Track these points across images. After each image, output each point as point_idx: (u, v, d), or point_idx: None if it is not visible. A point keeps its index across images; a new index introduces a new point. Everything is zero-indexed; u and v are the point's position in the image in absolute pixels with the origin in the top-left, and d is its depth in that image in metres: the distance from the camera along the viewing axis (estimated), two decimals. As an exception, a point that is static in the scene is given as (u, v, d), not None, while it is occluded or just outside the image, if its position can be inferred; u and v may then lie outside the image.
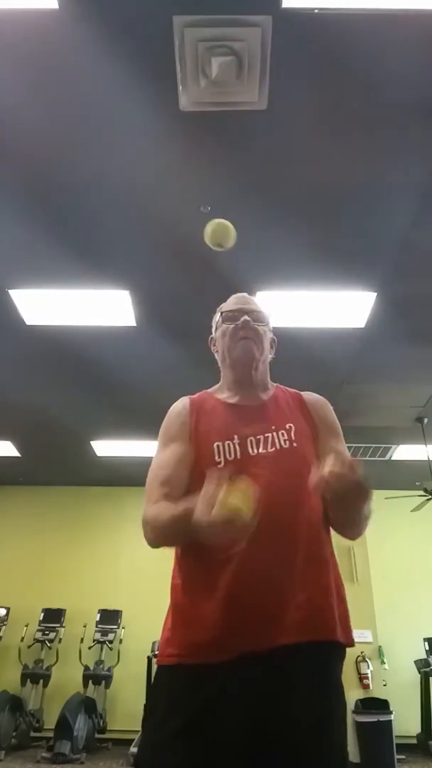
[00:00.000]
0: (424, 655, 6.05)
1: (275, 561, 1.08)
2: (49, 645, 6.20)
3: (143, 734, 1.13)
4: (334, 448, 1.30)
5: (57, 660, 6.12)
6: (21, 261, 3.41)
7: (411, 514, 6.00)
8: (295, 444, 1.23)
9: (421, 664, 6.01)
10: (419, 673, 6.00)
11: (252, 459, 1.19)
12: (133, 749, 4.87)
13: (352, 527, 1.20)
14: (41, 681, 5.96)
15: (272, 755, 0.99)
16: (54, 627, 6.23)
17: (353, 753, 4.50)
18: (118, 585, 6.64)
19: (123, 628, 6.26)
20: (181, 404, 1.35)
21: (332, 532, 1.23)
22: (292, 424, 1.27)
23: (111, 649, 6.18)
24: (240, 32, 2.19)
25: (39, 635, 6.20)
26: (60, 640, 6.20)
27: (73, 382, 4.80)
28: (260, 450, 1.21)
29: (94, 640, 6.16)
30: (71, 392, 4.99)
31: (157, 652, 5.65)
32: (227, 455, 1.20)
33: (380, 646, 5.65)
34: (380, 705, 5.03)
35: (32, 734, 5.54)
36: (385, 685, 5.44)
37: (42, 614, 6.34)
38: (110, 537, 7.02)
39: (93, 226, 3.16)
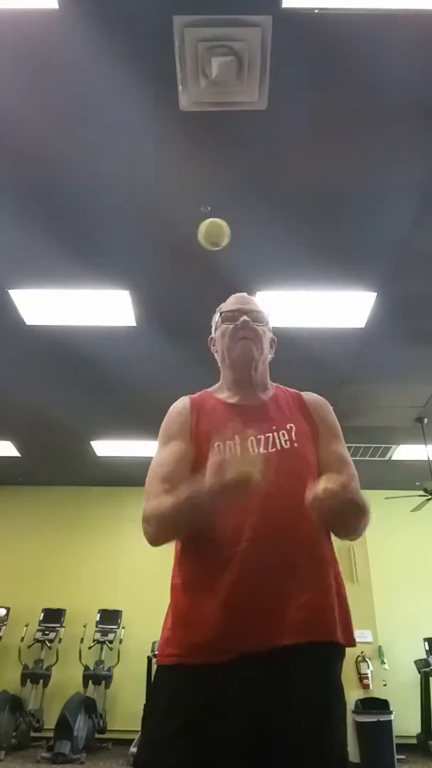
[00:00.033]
0: (424, 655, 6.05)
1: (276, 561, 1.08)
2: (49, 645, 6.20)
3: (143, 734, 1.13)
4: (335, 451, 1.30)
5: (57, 660, 6.12)
6: (21, 261, 3.41)
7: (411, 514, 6.00)
8: (295, 444, 1.23)
9: (421, 664, 6.01)
10: (419, 673, 6.00)
11: None
12: (133, 749, 4.87)
13: (350, 535, 1.20)
14: (41, 681, 5.96)
15: (272, 755, 0.99)
16: (54, 627, 6.23)
17: (353, 753, 4.50)
18: (118, 585, 6.64)
19: (123, 628, 6.26)
20: (182, 403, 1.35)
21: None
22: (292, 425, 1.27)
23: (111, 649, 6.18)
24: (240, 32, 2.19)
25: (39, 635, 6.20)
26: (60, 640, 6.20)
27: (73, 382, 4.80)
28: (261, 450, 1.21)
29: (94, 640, 6.16)
30: (71, 392, 4.99)
31: (157, 652, 5.67)
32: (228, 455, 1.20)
33: (380, 646, 5.64)
34: (380, 705, 5.03)
35: (32, 734, 5.54)
36: (385, 685, 5.44)
37: (42, 614, 6.34)
38: (110, 537, 7.02)
39: (93, 226, 3.16)
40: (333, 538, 1.22)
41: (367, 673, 5.27)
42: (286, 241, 3.23)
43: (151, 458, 1.29)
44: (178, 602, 1.15)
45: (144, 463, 1.29)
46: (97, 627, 6.25)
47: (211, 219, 1.40)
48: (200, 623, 1.07)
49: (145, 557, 6.44)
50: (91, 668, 5.93)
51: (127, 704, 5.96)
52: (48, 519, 7.15)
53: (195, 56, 2.27)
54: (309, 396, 1.39)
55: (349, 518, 1.03)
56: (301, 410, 1.34)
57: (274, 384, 1.43)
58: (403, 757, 5.19)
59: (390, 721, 4.87)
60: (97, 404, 5.24)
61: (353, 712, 4.93)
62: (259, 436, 1.23)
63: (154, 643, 5.46)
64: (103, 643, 6.16)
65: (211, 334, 1.48)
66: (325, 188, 2.89)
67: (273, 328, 1.47)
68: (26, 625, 6.25)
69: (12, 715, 5.29)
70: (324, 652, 1.08)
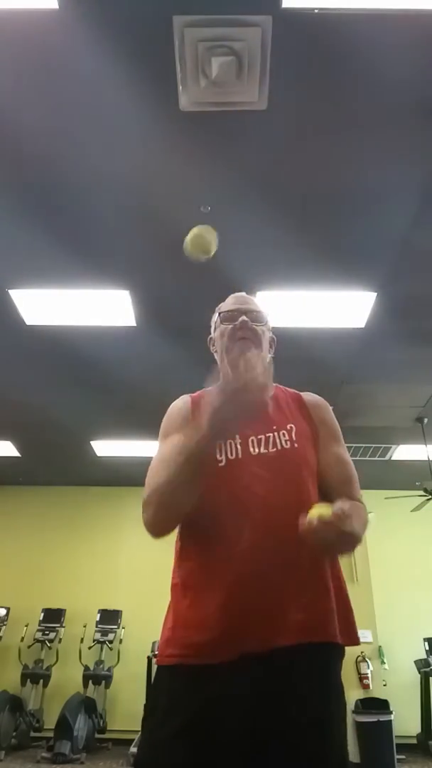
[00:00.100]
0: (424, 655, 6.05)
1: (276, 561, 1.08)
2: (49, 645, 6.20)
3: (143, 734, 1.13)
4: (335, 452, 1.30)
5: (57, 660, 6.12)
6: (21, 261, 3.41)
7: (411, 514, 6.00)
8: (296, 444, 1.23)
9: (421, 664, 6.01)
10: (419, 673, 6.00)
11: (253, 459, 1.19)
12: (133, 749, 4.87)
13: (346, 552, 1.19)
14: (41, 681, 5.96)
15: (272, 755, 0.98)
16: (54, 627, 6.23)
17: (353, 753, 4.50)
18: (117, 585, 6.65)
19: (123, 628, 6.27)
20: (182, 401, 1.35)
21: None
22: (292, 425, 1.27)
23: (111, 649, 6.18)
24: (240, 32, 2.19)
25: (39, 635, 6.20)
26: (60, 640, 6.21)
27: (72, 382, 4.80)
28: (261, 450, 1.21)
29: (94, 640, 6.16)
30: (71, 392, 4.99)
31: (157, 652, 5.68)
32: (229, 454, 1.20)
33: (380, 646, 5.65)
34: (380, 705, 5.03)
35: (32, 734, 5.54)
36: (385, 685, 5.44)
37: (42, 614, 6.34)
38: (110, 537, 7.02)
39: (93, 226, 3.16)
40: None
41: (367, 673, 5.27)
42: (286, 241, 3.23)
43: (151, 458, 1.29)
44: (178, 602, 1.15)
45: (144, 463, 1.29)
46: (97, 627, 6.25)
47: (193, 233, 1.34)
48: (200, 623, 1.07)
49: (145, 557, 6.44)
50: (91, 668, 5.93)
51: (127, 704, 5.96)
52: (48, 519, 7.15)
53: (195, 56, 2.27)
54: (309, 396, 1.39)
55: (342, 548, 1.01)
56: (301, 411, 1.34)
57: (274, 384, 1.43)
58: (403, 757, 5.19)
59: (390, 721, 4.87)
60: (97, 404, 5.25)
61: (353, 712, 4.93)
62: (259, 436, 1.23)
63: (154, 643, 5.46)
64: (103, 643, 6.17)
65: (210, 334, 1.47)
66: (325, 188, 2.89)
67: (273, 328, 1.47)
68: (26, 625, 6.25)
69: (12, 715, 5.30)
70: (324, 653, 1.08)
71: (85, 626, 6.21)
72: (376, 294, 3.63)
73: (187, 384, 1.57)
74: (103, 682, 5.94)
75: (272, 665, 1.02)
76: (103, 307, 3.80)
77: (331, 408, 1.39)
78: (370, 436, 5.75)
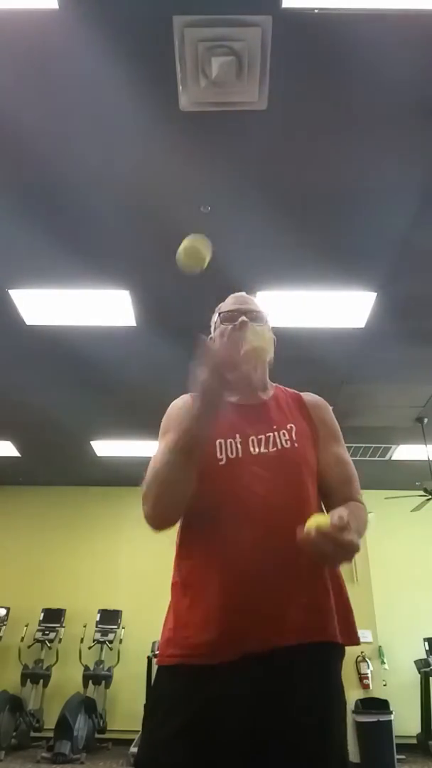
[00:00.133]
0: (424, 655, 6.05)
1: (276, 561, 1.08)
2: (49, 645, 6.20)
3: (143, 734, 1.13)
4: (335, 453, 1.30)
5: (57, 660, 6.12)
6: (21, 261, 3.41)
7: (411, 514, 6.00)
8: (296, 444, 1.23)
9: (421, 664, 6.02)
10: (419, 673, 6.00)
11: (253, 458, 1.19)
12: (133, 749, 4.87)
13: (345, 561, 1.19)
14: (41, 681, 5.96)
15: (272, 756, 0.99)
16: (54, 627, 6.24)
17: (353, 753, 4.50)
18: (117, 585, 6.65)
19: (123, 628, 6.27)
20: (182, 400, 1.35)
21: None
22: (293, 425, 1.27)
23: (111, 649, 6.18)
24: (240, 32, 2.19)
25: (39, 635, 6.20)
26: (60, 640, 6.21)
27: (72, 382, 4.80)
28: (262, 449, 1.21)
29: (94, 640, 6.16)
30: (71, 392, 4.99)
31: (157, 652, 5.65)
32: (229, 453, 1.20)
33: (380, 646, 5.65)
34: (380, 705, 5.03)
35: (32, 734, 5.55)
36: (385, 685, 5.45)
37: (42, 614, 6.34)
38: (110, 537, 7.03)
39: (93, 226, 3.16)
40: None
41: (367, 673, 5.28)
42: (286, 241, 3.23)
43: (151, 458, 1.29)
44: (178, 602, 1.15)
45: (144, 463, 1.29)
46: (97, 627, 6.26)
47: (185, 244, 1.23)
48: (201, 623, 1.07)
49: (145, 557, 6.45)
50: (91, 668, 5.93)
51: (127, 704, 5.96)
52: (48, 519, 7.15)
53: (195, 56, 2.27)
54: (309, 397, 1.39)
55: (341, 558, 1.00)
56: (301, 411, 1.34)
57: (274, 384, 1.43)
58: (403, 757, 5.20)
59: (390, 721, 4.88)
60: (97, 404, 5.25)
61: (353, 712, 4.94)
62: (260, 436, 1.23)
63: (154, 643, 5.46)
64: (103, 643, 6.17)
65: (210, 333, 1.47)
66: (325, 188, 2.90)
67: (273, 328, 1.47)
68: (26, 625, 6.25)
69: (12, 715, 5.30)
70: (324, 653, 1.08)
71: (85, 626, 6.21)
72: (376, 294, 3.63)
73: (186, 384, 1.57)
74: (103, 682, 5.94)
75: (272, 665, 1.02)
76: (103, 307, 3.80)
77: (331, 408, 1.39)
78: (370, 436, 5.75)
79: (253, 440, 1.22)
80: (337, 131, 2.60)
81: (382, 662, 5.70)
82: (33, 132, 2.62)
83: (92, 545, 7.04)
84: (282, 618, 1.06)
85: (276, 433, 1.24)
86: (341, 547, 0.93)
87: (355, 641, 1.13)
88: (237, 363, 1.02)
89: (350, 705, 4.94)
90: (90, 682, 5.87)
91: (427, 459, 5.69)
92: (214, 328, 1.44)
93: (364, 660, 5.32)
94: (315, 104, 2.48)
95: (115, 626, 6.25)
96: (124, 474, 6.50)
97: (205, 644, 1.05)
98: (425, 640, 6.11)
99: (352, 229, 3.15)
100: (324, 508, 1.24)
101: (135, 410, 5.09)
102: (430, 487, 5.69)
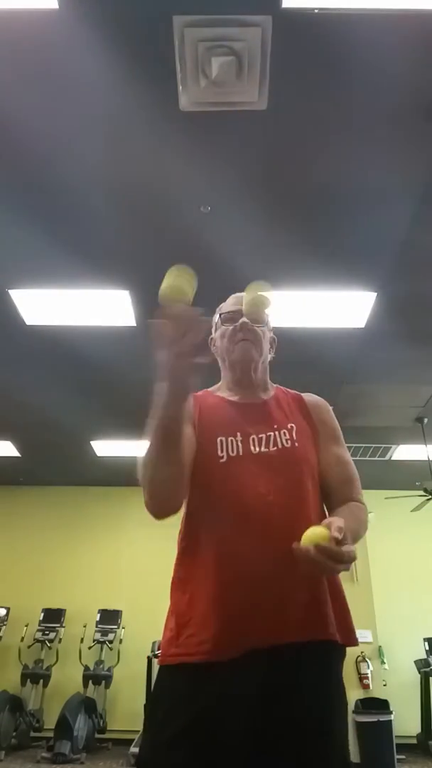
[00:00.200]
0: (424, 655, 6.05)
1: (275, 559, 1.08)
2: (49, 645, 6.20)
3: (145, 734, 1.13)
4: (335, 453, 1.30)
5: (57, 660, 6.12)
6: (21, 261, 3.41)
7: (411, 514, 6.01)
8: (296, 444, 1.23)
9: (421, 664, 6.02)
10: (419, 673, 6.00)
11: (254, 457, 1.19)
12: (134, 749, 4.87)
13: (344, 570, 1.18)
14: (41, 681, 5.96)
15: (274, 756, 0.99)
16: (54, 627, 6.23)
17: (353, 753, 4.49)
18: (118, 585, 6.65)
19: (123, 628, 6.26)
20: None
21: None
22: (293, 424, 1.27)
23: (111, 649, 6.18)
24: (240, 32, 2.19)
25: (39, 635, 6.20)
26: (60, 640, 6.21)
27: (72, 381, 4.80)
28: (262, 448, 1.21)
29: (94, 640, 6.16)
30: (71, 392, 4.99)
31: (157, 652, 5.65)
32: (230, 451, 1.20)
33: (380, 646, 5.65)
34: (380, 705, 5.03)
35: (32, 734, 5.54)
36: (385, 685, 5.45)
37: (42, 614, 6.34)
38: (110, 537, 7.03)
39: (93, 226, 3.16)
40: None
41: (367, 673, 5.28)
42: (286, 241, 3.23)
43: None
44: (178, 599, 1.15)
45: (144, 463, 1.29)
46: (97, 627, 6.25)
47: (168, 282, 1.12)
48: (201, 621, 1.07)
49: (145, 557, 6.45)
50: (91, 668, 5.93)
51: (127, 704, 5.97)
52: (48, 519, 7.15)
53: (195, 56, 2.27)
54: (309, 397, 1.39)
55: (337, 571, 0.99)
56: (301, 411, 1.34)
57: (275, 385, 1.43)
58: (403, 757, 5.20)
59: (390, 721, 4.88)
60: (97, 404, 5.25)
61: (353, 712, 4.94)
62: (260, 435, 1.23)
63: (154, 643, 5.46)
64: (103, 643, 6.17)
65: (211, 334, 1.48)
66: (325, 188, 2.90)
67: (273, 328, 1.47)
68: (26, 625, 6.25)
69: (12, 715, 5.30)
70: (325, 652, 1.08)
71: (85, 626, 6.20)
72: (376, 294, 3.63)
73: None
74: (103, 682, 5.94)
75: (273, 664, 1.02)
76: (103, 307, 3.80)
77: (331, 408, 1.39)
78: (370, 436, 5.75)
79: (253, 439, 1.22)
80: (337, 131, 2.60)
81: (382, 662, 5.70)
82: (33, 132, 2.61)
83: (92, 545, 7.04)
84: (282, 615, 1.06)
85: (277, 433, 1.24)
86: (340, 561, 0.93)
87: (353, 642, 1.13)
88: (188, 335, 0.94)
89: (350, 705, 4.93)
90: (90, 682, 5.87)
91: (427, 459, 5.69)
92: (215, 329, 1.44)
93: (364, 660, 5.32)
94: (315, 104, 2.48)
95: (115, 626, 6.25)
96: (124, 474, 6.50)
97: (205, 641, 1.05)
98: (425, 640, 6.11)
99: (352, 229, 3.15)
100: (325, 508, 1.24)
101: (135, 410, 5.06)
102: (430, 487, 5.69)
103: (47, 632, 6.20)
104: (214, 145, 2.68)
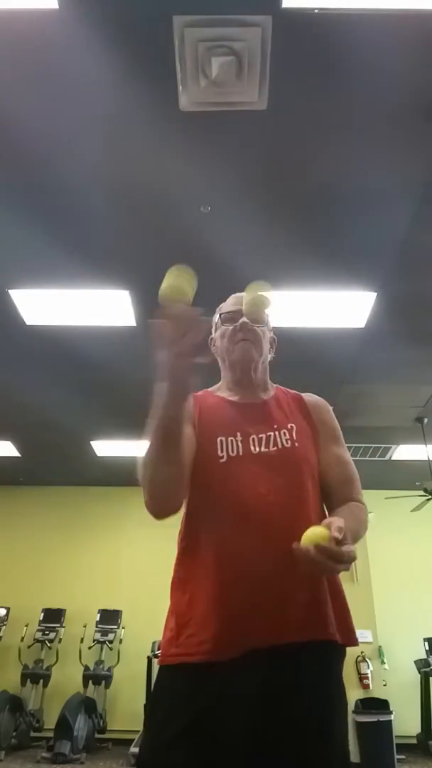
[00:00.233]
0: (424, 655, 6.05)
1: (276, 559, 1.08)
2: (49, 645, 6.20)
3: (146, 735, 1.13)
4: (335, 453, 1.30)
5: (57, 660, 6.12)
6: (21, 261, 3.41)
7: (411, 514, 6.01)
8: (296, 444, 1.23)
9: (421, 664, 6.02)
10: (419, 673, 6.01)
11: (254, 457, 1.20)
12: (134, 749, 4.87)
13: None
14: (41, 681, 5.96)
15: (274, 756, 0.99)
16: (54, 627, 6.23)
17: (353, 753, 4.50)
18: (118, 585, 6.65)
19: (123, 628, 6.26)
20: None
21: None
22: (293, 424, 1.27)
23: (111, 649, 6.18)
24: (240, 32, 2.19)
25: (39, 635, 6.20)
26: (60, 640, 6.21)
27: (72, 381, 4.80)
28: (262, 448, 1.21)
29: (94, 640, 6.16)
30: (71, 392, 4.99)
31: (157, 652, 5.64)
32: (230, 451, 1.20)
33: (380, 646, 5.65)
34: (380, 705, 5.03)
35: (32, 734, 5.54)
36: (385, 685, 5.45)
37: (42, 614, 6.34)
38: (110, 537, 7.03)
39: (93, 226, 3.16)
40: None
41: (367, 673, 5.27)
42: (286, 241, 3.23)
43: None
44: (178, 600, 1.15)
45: (144, 464, 1.29)
46: (97, 627, 6.25)
47: (168, 282, 1.13)
48: (201, 620, 1.07)
49: (145, 557, 6.45)
50: (91, 668, 5.93)
51: (127, 704, 5.97)
52: (48, 519, 7.15)
53: (195, 56, 2.27)
54: (309, 397, 1.39)
55: (337, 571, 0.99)
56: (301, 411, 1.34)
57: (275, 385, 1.43)
58: (403, 757, 5.20)
59: (390, 721, 4.87)
60: (97, 404, 5.25)
61: (353, 712, 4.93)
62: (260, 435, 1.23)
63: (154, 643, 5.46)
64: (103, 643, 6.17)
65: (211, 334, 1.48)
66: (325, 188, 2.90)
67: (273, 328, 1.47)
68: (26, 625, 6.25)
69: (12, 715, 5.30)
70: (325, 652, 1.08)
71: (85, 626, 6.20)
72: (376, 294, 3.63)
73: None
74: (103, 682, 5.94)
75: (273, 663, 1.02)
76: (103, 307, 3.80)
77: (331, 409, 1.39)
78: (370, 436, 5.75)
79: (254, 439, 1.22)
80: (337, 131, 2.60)
81: (382, 662, 5.70)
82: (33, 132, 2.61)
83: (92, 545, 7.04)
84: (282, 615, 1.06)
85: (277, 433, 1.24)
86: (340, 561, 0.94)
87: (353, 642, 1.13)
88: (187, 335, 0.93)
89: (350, 705, 4.93)
90: (90, 682, 5.87)
91: (427, 459, 5.69)
92: (215, 329, 1.44)
93: (364, 660, 5.32)
94: (315, 104, 2.48)
95: (115, 626, 6.25)
96: (124, 474, 6.50)
97: (205, 641, 1.05)
98: (425, 640, 6.11)
99: (352, 229, 3.15)
100: (325, 508, 1.24)
101: (135, 410, 5.06)
102: (430, 487, 5.69)
103: (47, 632, 6.20)
104: (214, 145, 2.68)
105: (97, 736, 5.53)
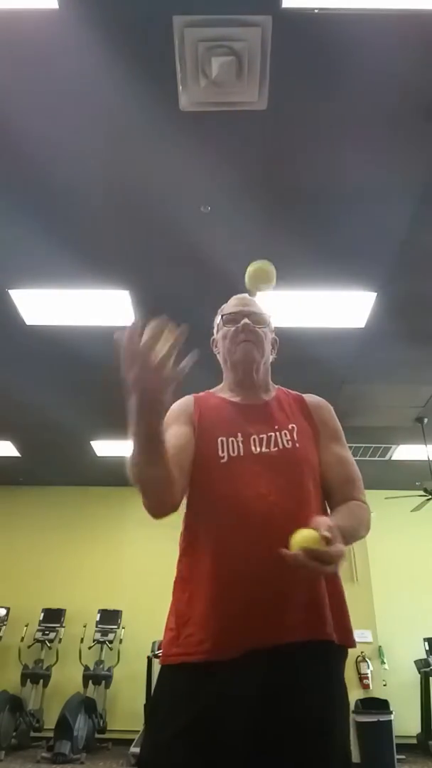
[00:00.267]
0: (424, 655, 6.05)
1: (275, 559, 1.08)
2: (49, 645, 6.20)
3: (146, 734, 1.13)
4: (336, 453, 1.30)
5: (57, 660, 6.12)
6: (21, 261, 3.41)
7: (411, 514, 6.01)
8: (297, 444, 1.23)
9: (421, 664, 6.01)
10: (419, 673, 6.00)
11: (255, 457, 1.20)
12: (134, 749, 4.87)
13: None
14: (41, 681, 5.96)
15: (275, 755, 0.99)
16: (54, 627, 6.23)
17: (353, 753, 4.50)
18: (118, 585, 6.64)
19: (123, 628, 6.26)
20: (184, 399, 1.35)
21: None
22: (294, 425, 1.27)
23: (111, 649, 6.18)
24: (240, 32, 2.19)
25: (39, 635, 6.20)
26: (60, 640, 6.20)
27: (73, 382, 4.80)
28: (263, 449, 1.21)
29: (94, 640, 6.16)
30: (71, 392, 4.99)
31: (157, 652, 5.63)
32: (231, 451, 1.20)
33: (380, 646, 5.65)
34: (380, 705, 5.03)
35: (32, 734, 5.54)
36: (385, 685, 5.45)
37: (42, 614, 6.34)
38: (110, 537, 7.03)
39: (93, 226, 3.16)
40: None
41: (367, 673, 5.27)
42: (286, 241, 3.23)
43: None
44: (179, 599, 1.15)
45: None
46: (97, 627, 6.25)
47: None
48: (201, 620, 1.08)
49: (145, 557, 6.45)
50: (91, 668, 5.93)
51: (127, 704, 5.96)
52: (48, 519, 7.15)
53: (195, 56, 2.27)
54: (310, 398, 1.39)
55: (328, 571, 0.98)
56: (303, 411, 1.34)
57: (276, 386, 1.43)
58: (403, 757, 5.19)
59: (390, 721, 4.87)
60: (97, 404, 5.24)
61: (353, 712, 4.93)
62: (261, 435, 1.23)
63: (154, 643, 5.46)
64: (103, 643, 6.16)
65: (212, 335, 1.48)
66: (325, 188, 2.90)
67: (273, 328, 1.47)
68: (26, 625, 6.25)
69: (12, 715, 5.29)
70: (324, 651, 1.08)
71: (85, 626, 6.20)
72: (376, 294, 3.63)
73: (186, 384, 1.58)
74: (103, 682, 5.94)
75: (273, 664, 1.02)
76: (103, 307, 3.80)
77: (332, 409, 1.39)
78: (370, 436, 5.75)
79: (254, 439, 1.22)
80: (337, 131, 2.60)
81: (382, 662, 5.70)
82: (33, 132, 2.61)
83: (92, 545, 7.04)
84: (282, 615, 1.06)
85: (278, 433, 1.24)
86: (329, 563, 0.93)
87: (351, 643, 1.13)
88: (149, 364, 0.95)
89: (350, 705, 4.93)
90: (90, 682, 5.87)
91: (427, 459, 5.69)
92: (217, 330, 1.45)
93: (364, 660, 5.31)
94: (315, 104, 2.48)
95: (115, 626, 6.24)
96: (123, 474, 6.43)
97: (205, 641, 1.05)
98: (425, 640, 6.11)
99: (352, 229, 3.15)
100: (327, 508, 1.24)
101: (135, 410, 5.08)
102: (430, 487, 5.69)
103: (47, 632, 6.20)
104: (214, 145, 2.68)
105: (97, 736, 5.52)
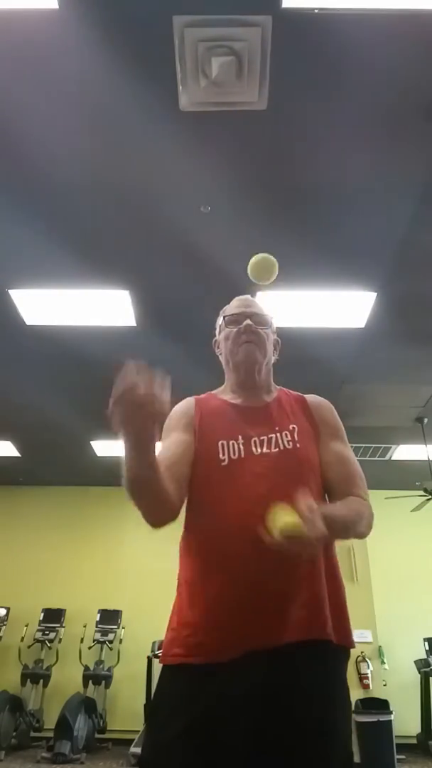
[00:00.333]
0: (424, 655, 6.05)
1: (275, 560, 1.08)
2: (49, 645, 6.20)
3: (147, 735, 1.13)
4: (336, 451, 1.30)
5: (57, 660, 6.12)
6: (21, 261, 3.41)
7: (411, 514, 6.00)
8: (298, 445, 1.23)
9: (421, 664, 6.01)
10: (419, 673, 6.00)
11: (256, 459, 1.20)
12: (134, 749, 4.87)
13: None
14: (41, 681, 5.96)
15: (276, 755, 0.99)
16: (54, 627, 6.23)
17: (353, 753, 4.50)
18: (118, 585, 6.64)
19: (123, 628, 6.26)
20: (186, 402, 1.35)
21: None
22: (295, 426, 1.27)
23: (111, 649, 6.18)
24: (240, 32, 2.19)
25: (39, 635, 6.19)
26: (60, 640, 6.20)
27: (73, 382, 4.80)
28: (264, 450, 1.21)
29: (94, 640, 6.16)
30: (71, 392, 4.99)
31: (157, 652, 5.63)
32: (231, 454, 1.20)
33: (380, 646, 5.65)
34: (380, 705, 5.02)
35: (32, 734, 5.54)
36: (385, 685, 5.44)
37: (42, 614, 6.34)
38: (110, 537, 7.02)
39: (93, 226, 3.16)
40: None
41: (367, 673, 5.27)
42: (286, 241, 3.23)
43: None
44: (180, 600, 1.16)
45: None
46: (97, 627, 6.25)
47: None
48: (201, 621, 1.08)
49: (145, 557, 6.44)
50: (91, 668, 5.93)
51: (127, 704, 5.96)
52: (48, 519, 7.15)
53: (195, 56, 2.27)
54: (312, 398, 1.39)
55: (309, 553, 0.97)
56: (304, 412, 1.34)
57: (278, 387, 1.43)
58: (403, 757, 5.19)
59: (390, 721, 4.87)
60: (97, 404, 5.19)
61: (353, 712, 4.92)
62: (262, 437, 1.23)
63: (154, 643, 5.46)
64: (103, 643, 6.16)
65: (214, 335, 1.48)
66: (325, 188, 2.90)
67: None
68: (26, 625, 6.25)
69: (12, 715, 5.29)
70: (324, 652, 1.08)
71: (85, 626, 6.20)
72: (376, 294, 3.63)
73: (187, 384, 1.58)
74: (103, 682, 5.94)
75: (273, 664, 1.02)
76: (103, 307, 3.80)
77: (334, 408, 1.39)
78: (370, 436, 5.75)
79: (255, 441, 1.22)
80: (336, 131, 2.60)
81: (382, 662, 5.70)
82: (33, 132, 2.62)
83: (92, 545, 7.04)
84: (282, 615, 1.06)
85: (278, 434, 1.24)
86: (309, 544, 0.92)
87: (350, 644, 1.13)
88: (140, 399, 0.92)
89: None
90: (90, 682, 5.87)
91: (427, 459, 5.69)
92: (219, 331, 1.45)
93: (364, 660, 5.31)
94: (315, 104, 2.48)
95: (115, 626, 6.24)
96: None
97: (205, 641, 1.05)
98: (425, 640, 6.10)
99: (352, 229, 3.15)
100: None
101: (135, 410, 5.07)
102: (430, 487, 5.69)
103: (47, 632, 6.20)
104: (214, 145, 2.68)
105: (97, 736, 5.52)
